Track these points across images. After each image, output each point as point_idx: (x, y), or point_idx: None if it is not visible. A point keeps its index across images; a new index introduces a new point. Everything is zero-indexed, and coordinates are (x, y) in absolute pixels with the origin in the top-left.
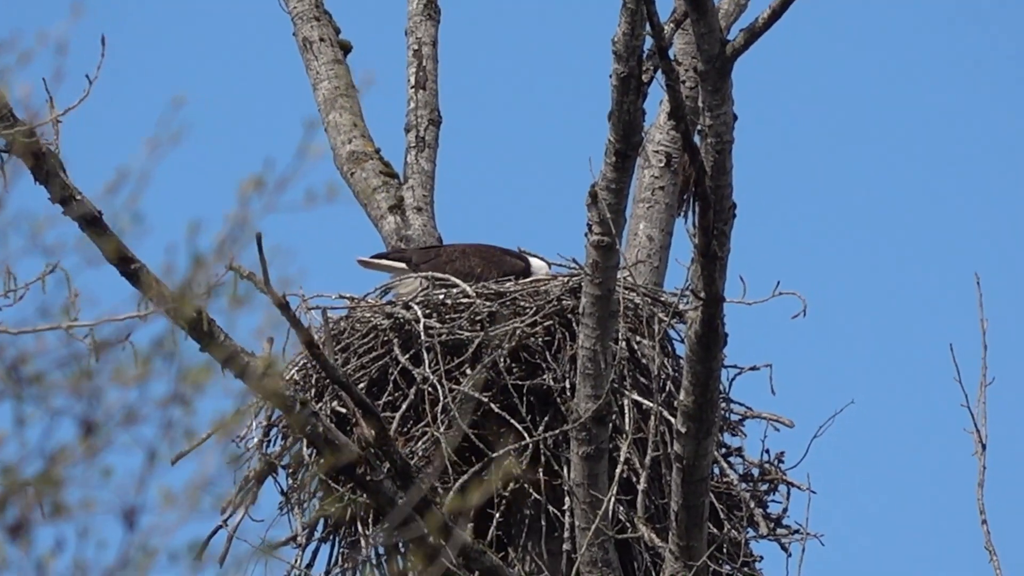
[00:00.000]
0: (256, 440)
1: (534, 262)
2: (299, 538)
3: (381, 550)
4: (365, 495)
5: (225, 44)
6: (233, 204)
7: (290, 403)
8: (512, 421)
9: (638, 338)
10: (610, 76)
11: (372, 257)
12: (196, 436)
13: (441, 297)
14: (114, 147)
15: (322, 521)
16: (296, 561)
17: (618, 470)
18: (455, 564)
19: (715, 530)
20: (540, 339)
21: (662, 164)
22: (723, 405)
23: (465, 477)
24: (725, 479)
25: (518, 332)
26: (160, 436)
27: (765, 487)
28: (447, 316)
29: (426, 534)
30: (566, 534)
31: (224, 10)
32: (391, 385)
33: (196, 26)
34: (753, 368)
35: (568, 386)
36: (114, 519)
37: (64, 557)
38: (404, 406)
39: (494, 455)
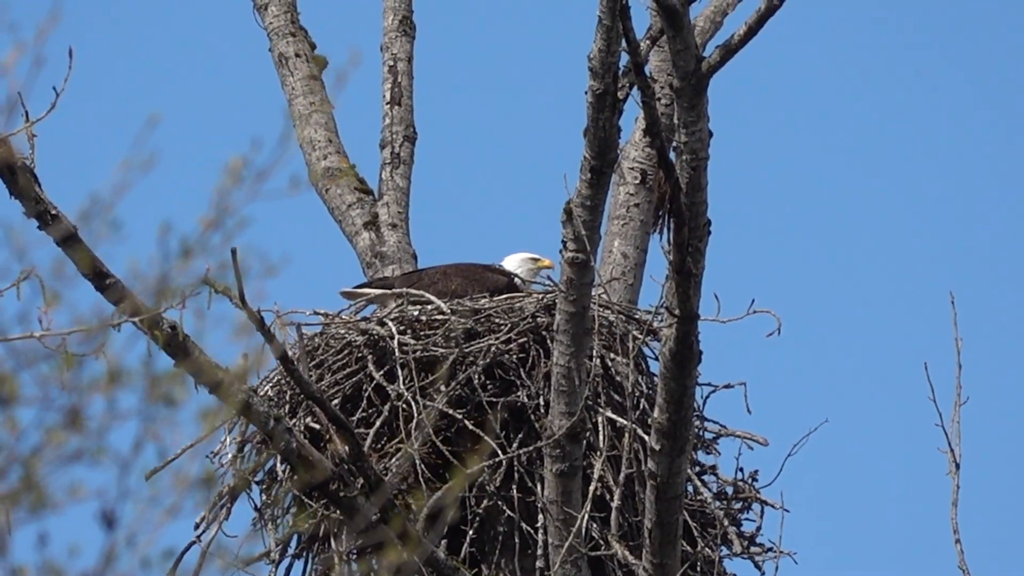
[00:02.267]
0: (230, 456)
1: (510, 259)
2: (272, 554)
3: (354, 566)
4: (338, 511)
5: (201, 59)
6: (215, 191)
7: (260, 416)
8: (486, 438)
9: (612, 355)
10: (586, 93)
11: (354, 288)
12: (169, 453)
13: (416, 314)
14: (89, 160)
15: (295, 537)
16: None
17: (592, 487)
18: None
19: (689, 548)
20: (514, 356)
21: (637, 181)
22: (697, 423)
23: (439, 494)
24: (699, 497)
25: (492, 349)
26: (139, 443)
27: (739, 505)
28: (421, 333)
29: (399, 550)
30: (539, 551)
31: (200, 25)
32: (365, 401)
33: (171, 40)
34: (727, 386)
35: (542, 403)
36: (91, 523)
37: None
38: (378, 423)
39: (467, 471)
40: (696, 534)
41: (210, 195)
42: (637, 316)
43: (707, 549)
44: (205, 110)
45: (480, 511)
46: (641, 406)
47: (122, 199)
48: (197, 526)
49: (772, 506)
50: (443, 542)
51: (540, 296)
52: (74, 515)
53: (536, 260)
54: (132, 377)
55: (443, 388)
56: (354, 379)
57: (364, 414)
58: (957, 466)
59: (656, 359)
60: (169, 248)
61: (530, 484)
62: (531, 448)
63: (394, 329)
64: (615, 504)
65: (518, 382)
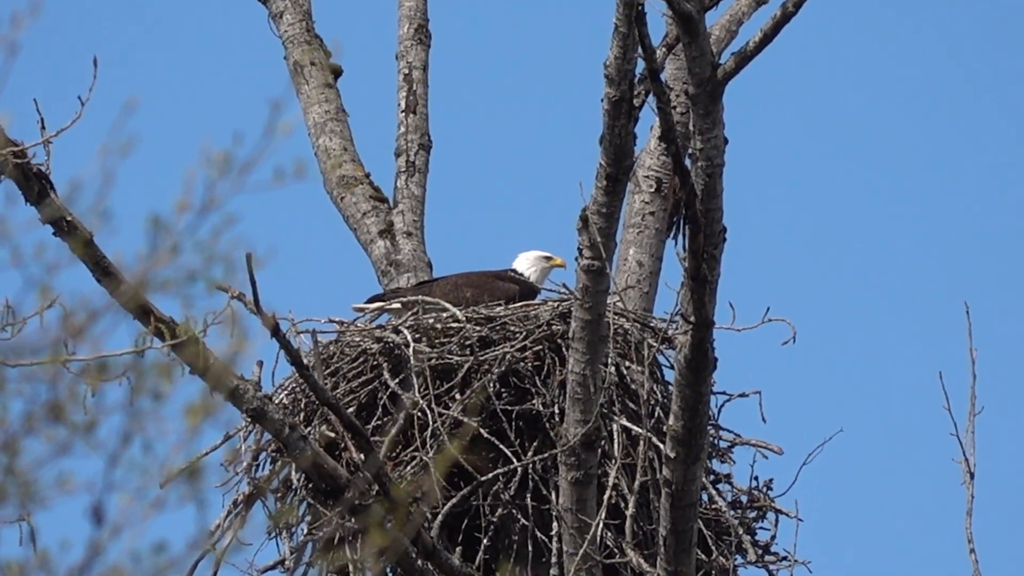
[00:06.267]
0: (245, 464)
1: (522, 257)
2: (287, 562)
3: (369, 574)
4: (354, 519)
5: (220, 66)
6: (200, 182)
7: (275, 424)
8: (501, 446)
9: (627, 363)
10: (602, 100)
11: (367, 301)
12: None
13: (431, 321)
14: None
15: (310, 545)
16: None
17: (606, 495)
18: None
19: (703, 556)
20: (530, 364)
21: (652, 189)
22: (712, 431)
23: (453, 501)
24: (713, 505)
25: (508, 357)
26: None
27: (753, 514)
28: (437, 340)
29: (414, 557)
30: (554, 559)
31: (216, 31)
32: (380, 410)
33: (190, 48)
34: (742, 395)
35: (557, 411)
36: (80, 518)
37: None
38: (393, 431)
39: (483, 479)
40: (711, 542)
41: (192, 186)
42: (652, 324)
43: (721, 558)
44: (226, 110)
45: (495, 519)
46: (656, 414)
47: (110, 188)
48: (212, 533)
49: (787, 515)
50: (458, 550)
51: (555, 304)
52: (62, 509)
53: (548, 259)
54: (120, 370)
55: (458, 396)
56: (369, 387)
57: (379, 422)
58: (972, 476)
59: (671, 367)
60: (157, 242)
61: (545, 492)
62: (546, 456)
63: (409, 337)
64: (630, 512)
65: (533, 390)
